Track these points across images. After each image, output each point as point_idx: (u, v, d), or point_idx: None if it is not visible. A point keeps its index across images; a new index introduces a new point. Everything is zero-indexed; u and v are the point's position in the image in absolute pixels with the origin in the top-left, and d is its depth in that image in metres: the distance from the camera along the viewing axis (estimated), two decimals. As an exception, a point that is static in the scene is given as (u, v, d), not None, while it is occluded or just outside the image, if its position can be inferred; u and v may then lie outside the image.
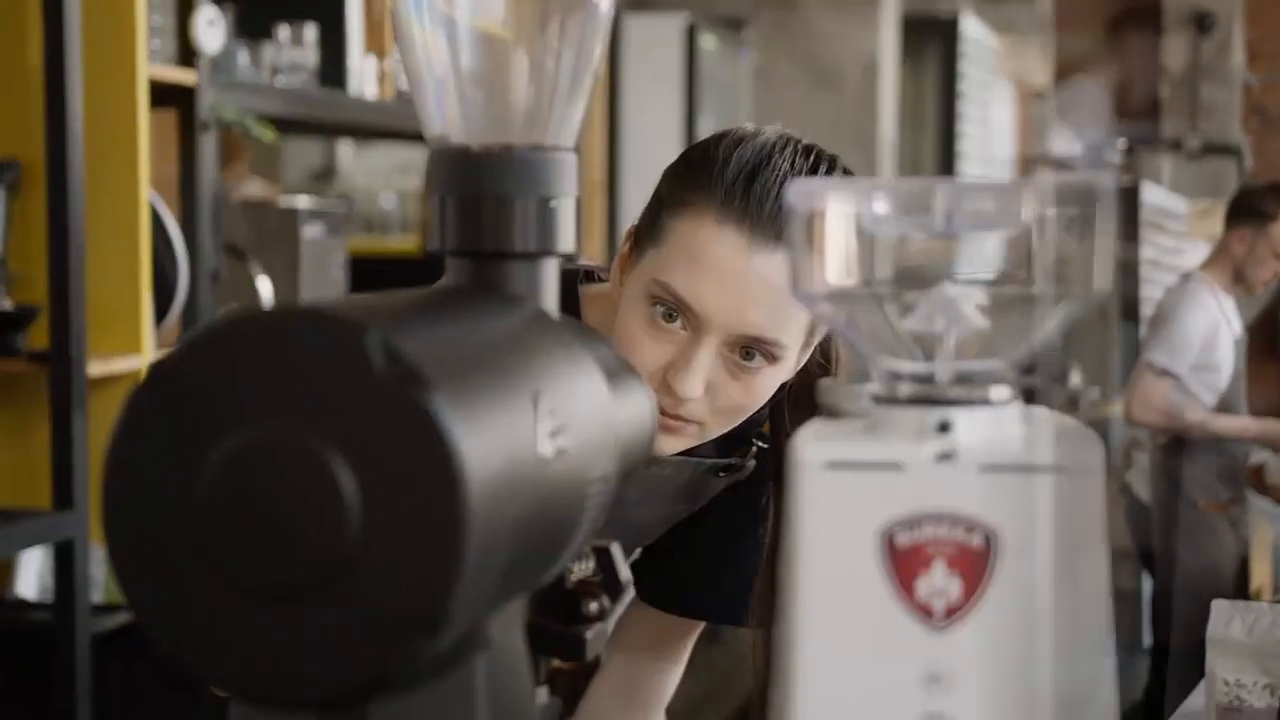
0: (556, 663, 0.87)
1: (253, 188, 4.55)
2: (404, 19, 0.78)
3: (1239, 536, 4.39)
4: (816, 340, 1.34)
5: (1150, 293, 7.21)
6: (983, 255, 0.71)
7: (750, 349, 1.25)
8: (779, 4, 5.62)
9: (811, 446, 0.67)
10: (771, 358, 1.25)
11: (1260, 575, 6.16)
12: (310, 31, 3.05)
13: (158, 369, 0.61)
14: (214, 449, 0.60)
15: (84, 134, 2.33)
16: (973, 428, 0.67)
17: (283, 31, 2.99)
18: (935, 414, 0.67)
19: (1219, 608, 1.86)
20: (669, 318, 1.24)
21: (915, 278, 0.70)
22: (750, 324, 1.23)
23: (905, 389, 0.68)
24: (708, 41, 5.71)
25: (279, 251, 3.09)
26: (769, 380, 1.28)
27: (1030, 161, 8.90)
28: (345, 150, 5.66)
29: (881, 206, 0.67)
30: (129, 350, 2.42)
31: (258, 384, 0.60)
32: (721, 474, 1.44)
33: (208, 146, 2.63)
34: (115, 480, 0.61)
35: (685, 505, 1.47)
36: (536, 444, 0.65)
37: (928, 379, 0.68)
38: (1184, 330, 4.20)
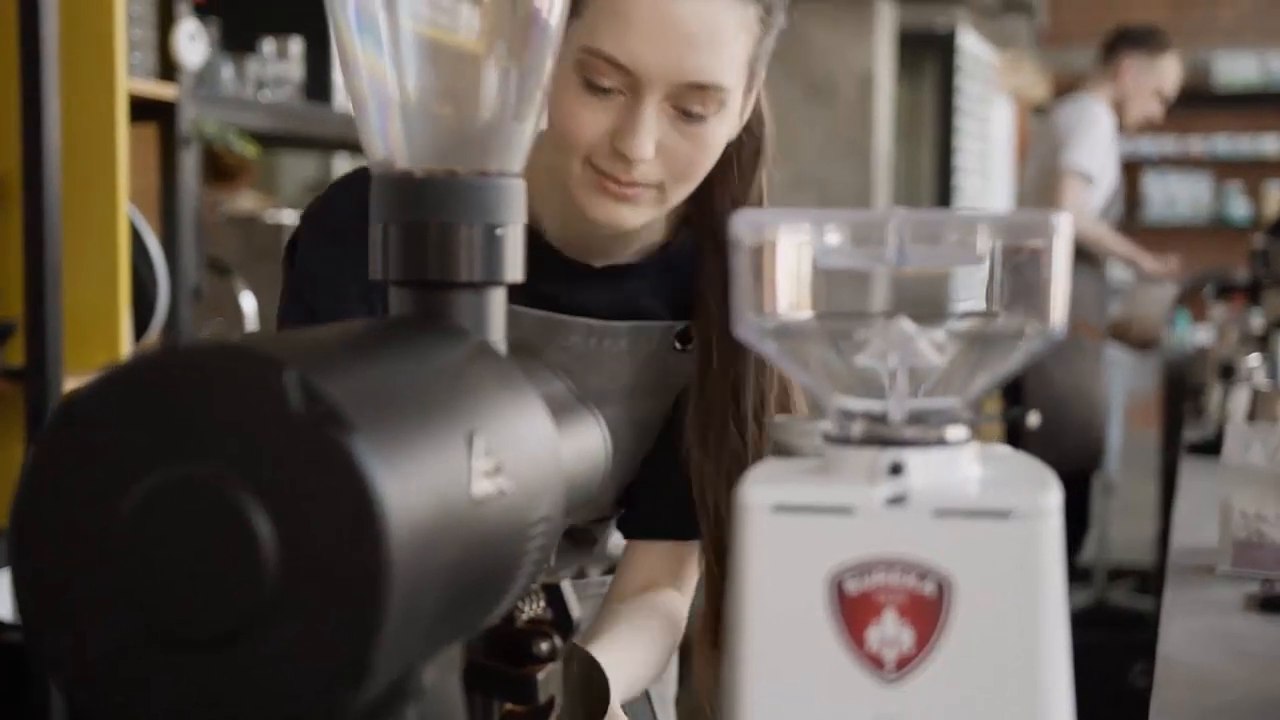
0: (508, 706, 0.84)
1: (245, 201, 4.52)
2: (345, 40, 0.76)
3: (1105, 375, 4.47)
4: (757, 85, 1.31)
5: (963, 143, 7.25)
6: (943, 289, 0.68)
7: (692, 102, 1.22)
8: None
9: (758, 488, 0.64)
10: (716, 103, 1.22)
11: None
12: (295, 45, 3.03)
13: (69, 405, 0.58)
14: (126, 490, 0.57)
15: (62, 148, 2.30)
16: (927, 469, 0.64)
17: (267, 45, 2.97)
18: (887, 455, 0.64)
19: (1235, 431, 1.69)
20: (603, 90, 1.22)
21: (918, 304, 0.67)
22: (688, 70, 1.21)
23: (857, 428, 0.65)
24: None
25: (266, 267, 3.07)
26: (717, 130, 1.25)
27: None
28: (341, 163, 5.63)
29: (833, 238, 0.64)
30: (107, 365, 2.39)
31: (172, 423, 0.57)
32: (680, 346, 1.39)
33: (188, 161, 2.61)
34: (23, 521, 0.59)
35: (654, 403, 1.41)
36: (470, 485, 0.62)
37: (881, 418, 0.66)
38: (1096, 134, 4.26)
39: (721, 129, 1.26)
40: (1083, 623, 5.20)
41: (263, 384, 0.56)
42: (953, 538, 0.62)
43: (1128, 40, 4.48)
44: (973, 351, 0.65)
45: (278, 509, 0.55)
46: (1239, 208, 9.67)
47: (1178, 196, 9.79)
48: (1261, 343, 3.39)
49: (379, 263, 0.75)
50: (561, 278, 1.37)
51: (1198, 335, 6.10)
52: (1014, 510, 0.62)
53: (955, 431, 0.65)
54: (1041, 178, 4.43)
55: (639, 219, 1.27)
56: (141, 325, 2.50)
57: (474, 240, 0.74)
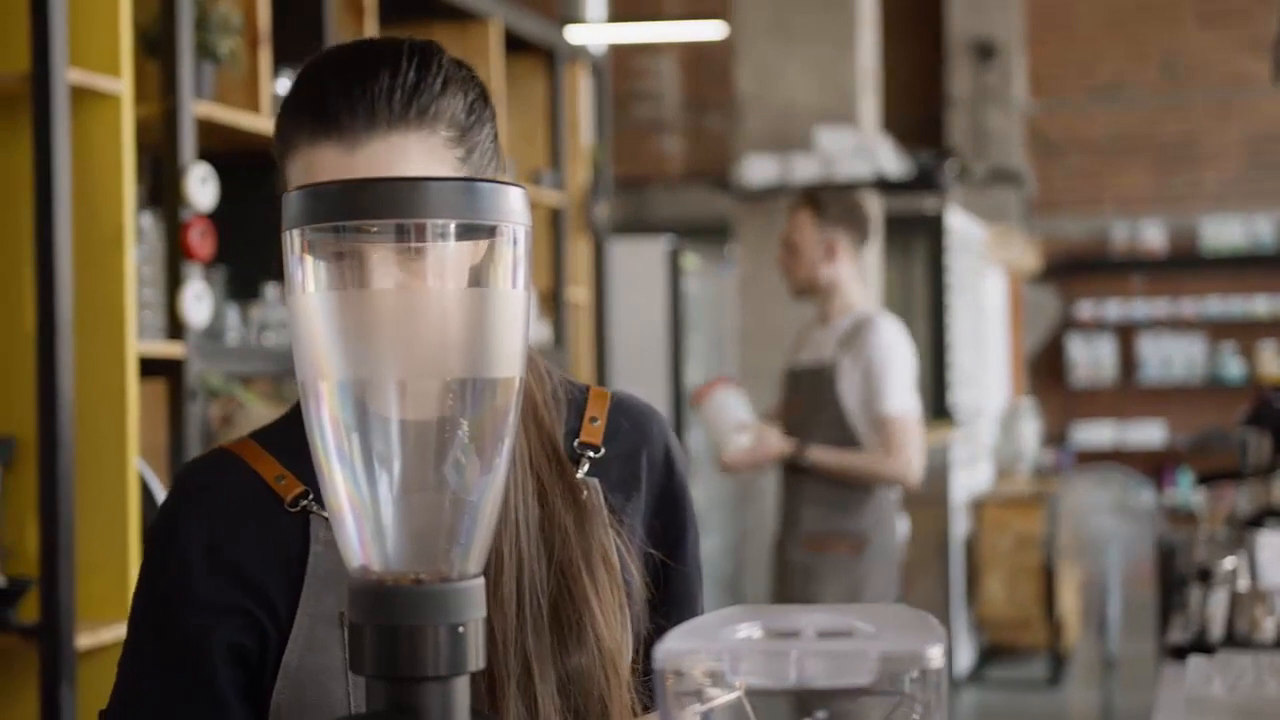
0: None
1: (256, 410, 4.62)
2: (325, 465, 0.87)
3: (875, 583, 3.87)
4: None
5: (955, 318, 7.28)
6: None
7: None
8: (761, 215, 5.76)
9: None
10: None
11: None
12: (297, 287, 3.15)
13: None
14: None
15: (75, 410, 2.42)
16: None
17: (271, 290, 3.11)
18: None
19: (1196, 665, 1.74)
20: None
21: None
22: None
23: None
24: (690, 261, 5.86)
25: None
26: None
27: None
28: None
29: (742, 665, 0.75)
30: (119, 619, 2.48)
31: None
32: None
33: (195, 413, 2.73)
34: None
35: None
36: None
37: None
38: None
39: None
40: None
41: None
42: None
43: None
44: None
45: None
46: (1234, 367, 9.81)
47: (1173, 358, 9.93)
48: (1243, 536, 3.46)
49: (355, 658, 0.85)
50: None
51: (1195, 499, 6.17)
52: None
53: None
54: None
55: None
56: (151, 573, 2.59)
57: (440, 640, 0.85)
